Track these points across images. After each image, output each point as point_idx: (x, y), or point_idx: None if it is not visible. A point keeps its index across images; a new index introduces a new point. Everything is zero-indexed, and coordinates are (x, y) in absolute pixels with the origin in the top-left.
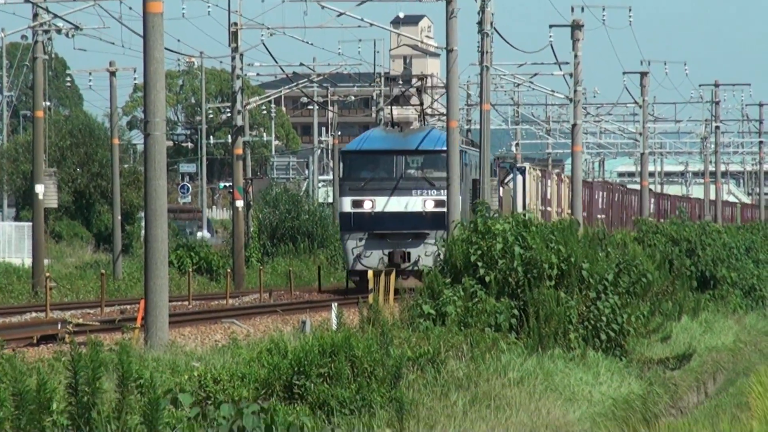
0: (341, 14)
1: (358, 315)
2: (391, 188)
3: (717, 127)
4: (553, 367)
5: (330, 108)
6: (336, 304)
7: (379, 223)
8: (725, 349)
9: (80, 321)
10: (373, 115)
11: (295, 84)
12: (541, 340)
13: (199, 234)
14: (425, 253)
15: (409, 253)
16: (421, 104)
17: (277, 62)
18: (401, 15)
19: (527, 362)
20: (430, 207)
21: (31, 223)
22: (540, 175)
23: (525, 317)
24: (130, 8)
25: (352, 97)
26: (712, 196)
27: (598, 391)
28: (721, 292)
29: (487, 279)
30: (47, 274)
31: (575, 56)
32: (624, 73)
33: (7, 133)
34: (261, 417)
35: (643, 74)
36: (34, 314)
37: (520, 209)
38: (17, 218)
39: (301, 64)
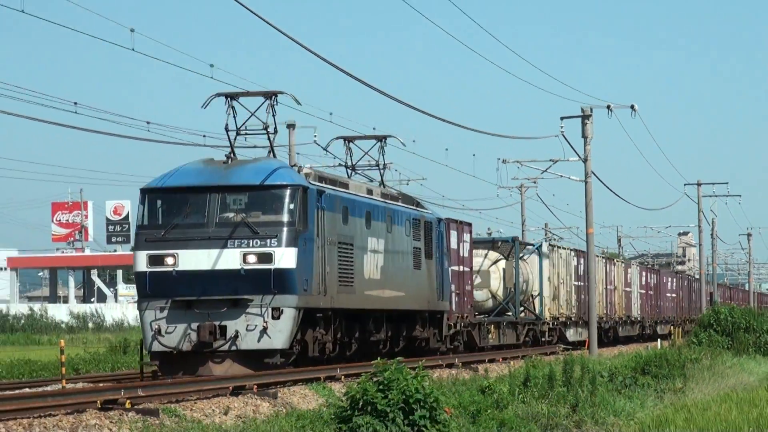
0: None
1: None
2: (200, 237)
3: None
4: (744, 362)
5: None
6: (658, 340)
7: (184, 285)
8: None
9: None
10: None
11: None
12: (739, 352)
13: None
14: (247, 327)
15: (224, 327)
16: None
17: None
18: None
19: (733, 360)
20: (251, 263)
21: None
22: (574, 254)
23: (732, 342)
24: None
25: None
26: None
27: (763, 370)
28: None
29: (717, 329)
30: None
31: (748, 249)
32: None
33: None
34: (633, 379)
35: None
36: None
37: (535, 282)
38: None
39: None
